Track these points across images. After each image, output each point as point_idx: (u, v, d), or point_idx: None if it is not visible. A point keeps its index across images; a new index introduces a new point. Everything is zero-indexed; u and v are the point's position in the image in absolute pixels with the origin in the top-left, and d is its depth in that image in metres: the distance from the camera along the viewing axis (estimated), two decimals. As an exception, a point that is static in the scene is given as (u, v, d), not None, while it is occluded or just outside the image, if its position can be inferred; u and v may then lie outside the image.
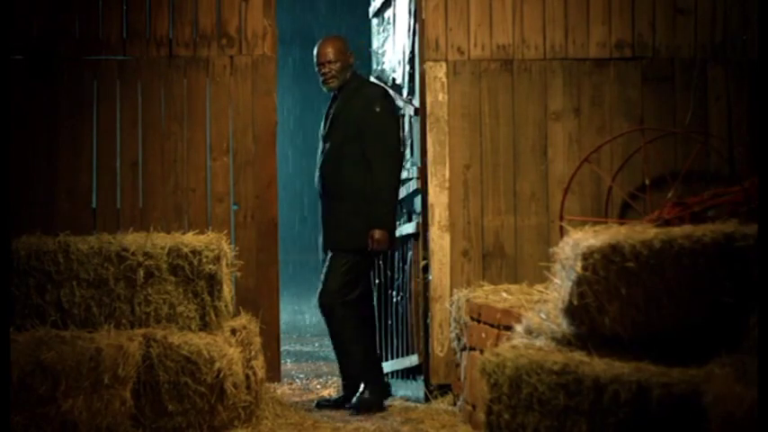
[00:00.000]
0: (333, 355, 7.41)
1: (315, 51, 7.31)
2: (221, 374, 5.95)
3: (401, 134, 7.42)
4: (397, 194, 7.26)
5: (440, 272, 7.21)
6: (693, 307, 4.20)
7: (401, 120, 7.55)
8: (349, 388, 7.18)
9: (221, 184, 7.35)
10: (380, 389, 7.13)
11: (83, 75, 7.32)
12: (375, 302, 7.61)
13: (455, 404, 6.83)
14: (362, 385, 7.08)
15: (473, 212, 7.26)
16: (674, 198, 6.99)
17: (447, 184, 7.24)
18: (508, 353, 4.61)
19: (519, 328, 5.10)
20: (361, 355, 7.18)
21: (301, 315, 13.53)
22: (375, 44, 8.68)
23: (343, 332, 7.16)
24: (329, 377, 8.53)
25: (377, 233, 7.06)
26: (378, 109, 7.17)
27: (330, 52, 7.26)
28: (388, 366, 7.88)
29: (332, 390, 7.81)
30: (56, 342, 5.35)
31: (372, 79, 7.97)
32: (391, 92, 7.91)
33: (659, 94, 7.37)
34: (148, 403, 5.92)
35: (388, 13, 8.28)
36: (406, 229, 7.57)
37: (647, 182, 7.24)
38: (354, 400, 7.05)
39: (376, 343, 7.55)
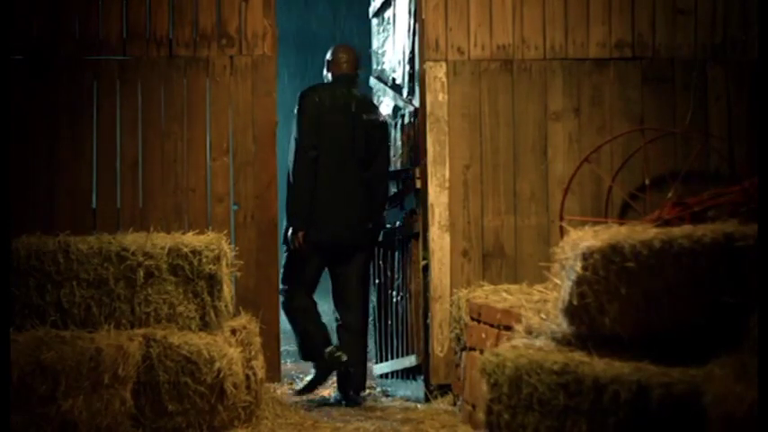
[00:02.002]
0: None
1: None
2: (221, 374, 5.95)
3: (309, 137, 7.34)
4: (296, 196, 7.27)
5: (440, 272, 7.21)
6: (693, 307, 4.20)
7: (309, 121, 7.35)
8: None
9: (221, 184, 7.35)
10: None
11: (83, 75, 7.32)
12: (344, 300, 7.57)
13: (455, 404, 6.83)
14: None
15: (473, 212, 7.26)
16: (674, 198, 6.99)
17: (447, 184, 7.24)
18: (508, 353, 4.60)
19: (519, 328, 5.10)
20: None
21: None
22: (375, 44, 8.68)
23: None
24: (328, 377, 8.51)
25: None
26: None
27: None
28: (387, 366, 7.88)
29: (331, 390, 7.80)
30: (56, 342, 5.34)
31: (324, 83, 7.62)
32: (391, 91, 7.92)
33: (659, 94, 7.37)
34: (148, 403, 5.92)
35: (388, 13, 8.28)
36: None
37: (647, 182, 7.24)
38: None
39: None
